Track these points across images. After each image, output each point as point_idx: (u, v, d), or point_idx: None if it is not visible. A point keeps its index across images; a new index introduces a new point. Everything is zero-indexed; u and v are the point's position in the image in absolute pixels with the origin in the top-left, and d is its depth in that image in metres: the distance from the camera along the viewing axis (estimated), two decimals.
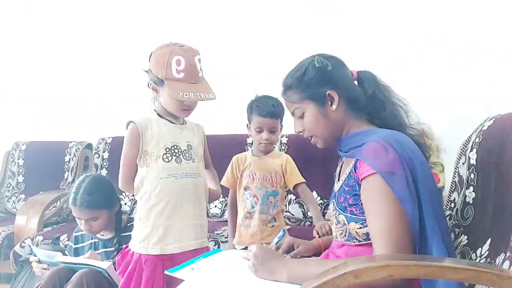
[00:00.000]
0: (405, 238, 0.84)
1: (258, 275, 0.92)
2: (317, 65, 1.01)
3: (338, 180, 1.05)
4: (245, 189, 1.68)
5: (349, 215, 0.95)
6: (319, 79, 1.00)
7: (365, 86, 1.04)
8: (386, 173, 0.85)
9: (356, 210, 0.93)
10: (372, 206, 0.88)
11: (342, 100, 1.01)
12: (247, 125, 1.68)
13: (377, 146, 0.89)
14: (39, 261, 1.55)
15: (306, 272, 0.86)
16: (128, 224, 1.65)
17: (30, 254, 1.64)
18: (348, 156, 1.01)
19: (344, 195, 0.97)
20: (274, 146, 2.20)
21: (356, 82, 1.06)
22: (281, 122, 1.63)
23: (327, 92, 1.00)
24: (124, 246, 1.59)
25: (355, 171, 0.93)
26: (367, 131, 1.00)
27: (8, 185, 2.73)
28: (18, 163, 2.74)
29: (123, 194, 2.38)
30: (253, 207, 1.65)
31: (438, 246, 0.84)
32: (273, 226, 1.66)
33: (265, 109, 1.57)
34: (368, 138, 0.94)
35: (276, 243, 1.18)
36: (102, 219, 1.56)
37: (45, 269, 1.53)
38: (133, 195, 1.36)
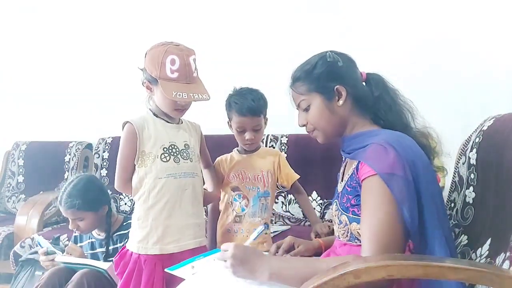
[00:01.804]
0: (394, 240, 0.83)
1: (237, 276, 0.90)
2: (328, 60, 1.02)
3: (342, 181, 1.05)
4: (233, 190, 1.53)
5: (351, 215, 0.95)
6: (329, 73, 1.01)
7: (372, 88, 1.05)
8: (386, 175, 0.85)
9: (358, 211, 0.93)
10: (367, 206, 0.88)
11: (349, 97, 1.01)
12: (228, 122, 1.53)
13: (379, 148, 0.89)
14: (47, 253, 1.56)
15: (289, 269, 0.86)
16: (124, 223, 1.66)
17: (37, 245, 1.64)
18: (350, 158, 1.01)
19: (346, 195, 0.97)
20: (270, 146, 2.20)
21: (364, 83, 1.06)
22: (264, 116, 1.50)
23: (335, 87, 1.00)
24: (118, 245, 1.60)
25: (357, 172, 0.94)
26: (371, 131, 1.00)
27: (8, 185, 2.73)
28: (18, 163, 2.74)
29: (123, 194, 2.38)
30: (243, 210, 1.51)
31: (441, 247, 0.84)
32: (266, 233, 1.52)
33: (245, 106, 1.43)
34: (371, 139, 0.94)
35: (254, 239, 1.17)
36: (87, 220, 1.57)
37: (52, 260, 1.54)
38: (131, 196, 1.35)
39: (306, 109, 1.04)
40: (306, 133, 1.10)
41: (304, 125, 1.07)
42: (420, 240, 0.85)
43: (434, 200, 0.88)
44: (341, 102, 1.01)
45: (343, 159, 1.11)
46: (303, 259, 1.02)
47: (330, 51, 1.04)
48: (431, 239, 0.85)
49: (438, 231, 0.85)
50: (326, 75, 1.01)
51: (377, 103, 1.03)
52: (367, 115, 1.04)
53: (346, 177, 1.01)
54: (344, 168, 1.08)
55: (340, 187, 1.05)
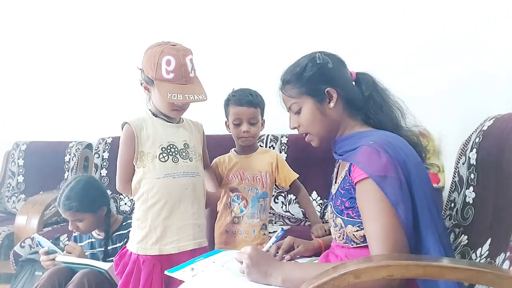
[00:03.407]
0: (400, 241, 0.83)
1: (250, 278, 0.91)
2: (318, 62, 1.01)
3: (335, 183, 1.05)
4: (232, 191, 1.53)
5: (346, 218, 0.95)
6: (319, 75, 1.00)
7: (362, 87, 1.04)
8: (378, 177, 0.85)
9: (353, 213, 0.93)
10: (367, 210, 0.88)
11: (340, 98, 1.01)
12: (226, 122, 1.55)
13: (370, 150, 0.89)
14: (48, 252, 1.55)
15: (302, 276, 0.86)
16: (124, 223, 1.66)
17: (38, 245, 1.65)
18: (342, 160, 1.01)
19: (340, 198, 0.97)
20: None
21: (354, 83, 1.06)
22: (261, 114, 1.52)
23: (326, 89, 1.00)
24: (118, 245, 1.60)
25: (349, 175, 0.94)
26: (361, 133, 1.00)
27: (8, 185, 2.73)
28: (18, 163, 2.74)
29: (123, 194, 2.38)
30: (242, 211, 1.52)
31: (435, 247, 0.84)
32: (264, 234, 1.54)
33: (243, 98, 1.47)
34: (361, 141, 0.93)
35: (273, 243, 1.17)
36: (86, 221, 1.58)
37: (53, 260, 1.54)
38: (132, 197, 1.35)
39: (298, 112, 1.04)
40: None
41: (295, 128, 1.07)
42: (415, 240, 0.85)
43: (427, 199, 0.88)
44: (332, 104, 1.00)
45: (336, 160, 1.10)
46: (315, 265, 1.02)
47: (319, 52, 1.03)
48: (425, 238, 0.85)
49: (432, 230, 0.85)
50: (316, 77, 1.00)
51: (367, 103, 1.03)
52: (358, 116, 1.04)
53: (339, 180, 1.01)
54: (337, 170, 1.08)
55: (334, 189, 1.04)
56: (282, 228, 1.25)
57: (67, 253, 1.54)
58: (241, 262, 0.94)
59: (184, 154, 1.32)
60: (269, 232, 1.63)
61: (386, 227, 0.83)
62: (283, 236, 1.21)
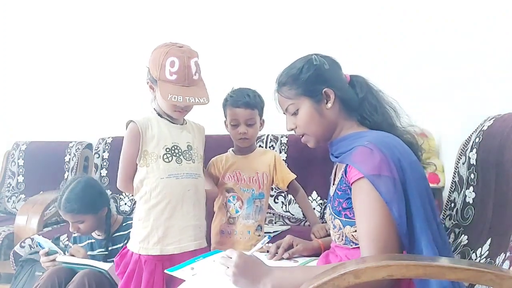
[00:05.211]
0: (392, 240, 0.84)
1: (238, 285, 0.89)
2: (314, 63, 1.02)
3: (333, 184, 1.05)
4: (228, 191, 1.52)
5: (344, 219, 0.95)
6: (316, 76, 1.01)
7: (357, 89, 1.05)
8: (373, 176, 0.85)
9: (350, 214, 0.93)
10: (360, 209, 0.88)
11: (337, 99, 1.02)
12: (225, 122, 1.54)
13: (364, 150, 0.89)
14: (48, 253, 1.55)
15: (292, 280, 0.85)
16: (124, 224, 1.66)
17: (38, 245, 1.64)
18: (338, 162, 1.02)
19: (338, 199, 0.98)
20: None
21: (348, 85, 1.06)
22: (260, 115, 1.51)
23: (323, 90, 1.00)
24: (118, 245, 1.60)
25: (346, 176, 0.94)
26: (357, 134, 1.00)
27: (8, 185, 2.73)
28: (18, 163, 2.74)
29: (123, 194, 2.38)
30: (237, 211, 1.50)
31: (428, 247, 0.83)
32: (259, 235, 1.51)
33: (240, 99, 1.46)
34: (356, 142, 0.94)
35: (259, 249, 1.16)
36: (88, 222, 1.57)
37: (53, 260, 1.53)
38: (133, 195, 1.36)
39: (295, 113, 1.04)
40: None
41: (292, 129, 1.07)
42: (407, 240, 0.85)
43: (421, 198, 0.88)
44: (329, 104, 1.01)
45: (334, 162, 1.11)
46: (304, 268, 1.01)
47: (315, 54, 1.04)
48: (419, 237, 0.85)
49: (425, 229, 0.85)
50: (313, 78, 1.01)
51: (362, 104, 1.04)
52: (353, 117, 1.04)
53: (337, 181, 1.01)
54: (335, 171, 1.08)
55: (332, 190, 1.05)
56: (268, 235, 1.23)
57: (70, 255, 1.54)
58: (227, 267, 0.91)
59: (187, 155, 1.33)
60: (265, 232, 1.62)
61: (378, 227, 0.83)
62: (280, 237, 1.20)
